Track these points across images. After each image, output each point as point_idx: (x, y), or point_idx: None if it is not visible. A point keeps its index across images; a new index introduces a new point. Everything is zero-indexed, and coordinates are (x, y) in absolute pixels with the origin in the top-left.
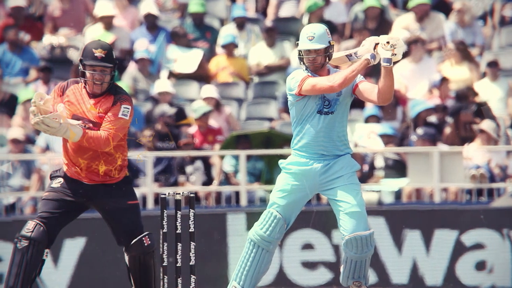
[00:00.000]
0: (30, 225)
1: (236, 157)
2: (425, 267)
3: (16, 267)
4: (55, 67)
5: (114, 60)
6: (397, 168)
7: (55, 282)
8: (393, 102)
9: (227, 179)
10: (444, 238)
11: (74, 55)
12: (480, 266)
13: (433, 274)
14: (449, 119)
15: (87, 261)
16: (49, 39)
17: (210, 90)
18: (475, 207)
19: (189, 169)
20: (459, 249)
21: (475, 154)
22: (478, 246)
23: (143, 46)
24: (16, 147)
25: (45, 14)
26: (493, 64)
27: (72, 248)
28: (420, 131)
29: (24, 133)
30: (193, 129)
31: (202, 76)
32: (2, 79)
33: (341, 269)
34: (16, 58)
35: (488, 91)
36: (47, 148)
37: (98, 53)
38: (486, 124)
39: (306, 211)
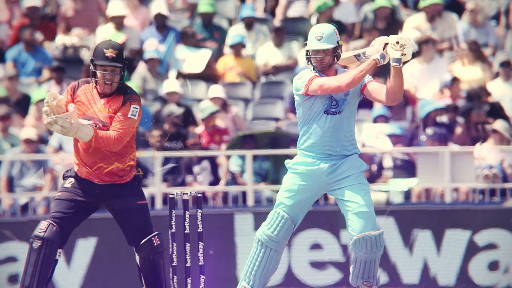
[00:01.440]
0: (43, 225)
1: (243, 157)
2: (436, 267)
3: (32, 267)
4: (68, 67)
5: (124, 60)
6: (406, 168)
7: (68, 282)
8: (402, 102)
9: (234, 179)
10: (456, 238)
11: (87, 55)
12: (493, 266)
13: (445, 274)
14: (460, 119)
15: (99, 261)
16: (62, 39)
17: (217, 90)
18: (488, 207)
19: (196, 169)
20: (472, 249)
21: (488, 154)
22: (491, 246)
23: (153, 46)
24: (29, 147)
25: (58, 14)
26: (506, 64)
27: (85, 248)
28: (429, 131)
29: (37, 133)
30: (200, 129)
31: (209, 76)
32: (17, 79)
33: (351, 269)
34: (29, 58)
35: (501, 91)
36: (59, 148)
37: (109, 53)
38: (498, 124)
39: (316, 211)
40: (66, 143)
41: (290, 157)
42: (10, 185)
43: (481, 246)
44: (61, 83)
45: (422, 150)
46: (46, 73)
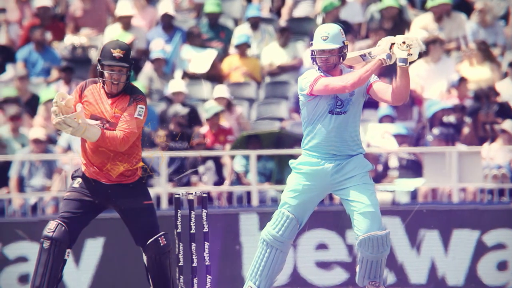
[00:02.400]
0: (52, 225)
1: (247, 157)
2: (444, 267)
3: (42, 267)
4: (77, 67)
5: (131, 60)
6: (413, 168)
7: (77, 282)
8: (409, 102)
9: (238, 179)
10: (465, 238)
11: (96, 55)
12: (502, 266)
13: (454, 274)
14: (467, 119)
15: (108, 261)
16: (70, 39)
17: (221, 90)
18: (496, 207)
19: (201, 169)
20: (480, 249)
21: (497, 154)
22: (500, 246)
23: (159, 46)
24: (38, 147)
25: (67, 14)
26: None
27: (94, 248)
28: (436, 131)
29: (46, 133)
30: (204, 129)
31: (214, 76)
32: (28, 79)
33: (357, 269)
34: (39, 58)
35: (510, 91)
36: (68, 148)
37: (117, 53)
38: (507, 124)
39: (321, 211)
40: (75, 143)
41: (294, 157)
42: (21, 185)
43: (490, 246)
44: (70, 83)
45: (428, 150)
46: (54, 73)
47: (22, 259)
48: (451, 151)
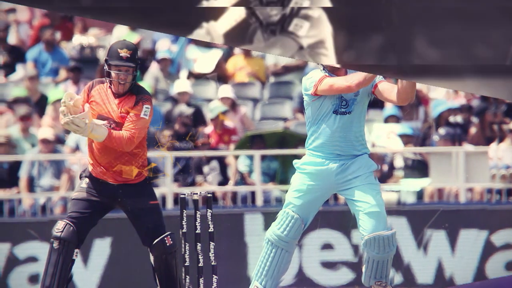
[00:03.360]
0: (60, 225)
1: (251, 157)
2: (452, 267)
3: (52, 267)
4: (85, 67)
5: (137, 60)
6: (418, 168)
7: (85, 282)
8: (415, 102)
9: (242, 179)
10: (472, 238)
11: (103, 55)
12: (510, 266)
13: (462, 274)
14: (474, 119)
15: (116, 261)
16: (79, 39)
17: (226, 90)
18: (505, 207)
19: (205, 169)
20: (488, 249)
21: (505, 154)
22: (508, 246)
23: (165, 46)
24: (46, 147)
25: None
26: None
27: (102, 247)
28: (442, 131)
29: (54, 133)
30: (209, 129)
31: (219, 76)
32: (38, 79)
33: (363, 269)
34: (49, 58)
35: None
36: (76, 148)
37: (124, 53)
38: None
39: (326, 211)
40: (83, 143)
41: (298, 157)
42: (31, 185)
43: (498, 246)
44: (78, 83)
45: (434, 150)
46: (63, 73)
47: (32, 259)
48: (458, 151)
